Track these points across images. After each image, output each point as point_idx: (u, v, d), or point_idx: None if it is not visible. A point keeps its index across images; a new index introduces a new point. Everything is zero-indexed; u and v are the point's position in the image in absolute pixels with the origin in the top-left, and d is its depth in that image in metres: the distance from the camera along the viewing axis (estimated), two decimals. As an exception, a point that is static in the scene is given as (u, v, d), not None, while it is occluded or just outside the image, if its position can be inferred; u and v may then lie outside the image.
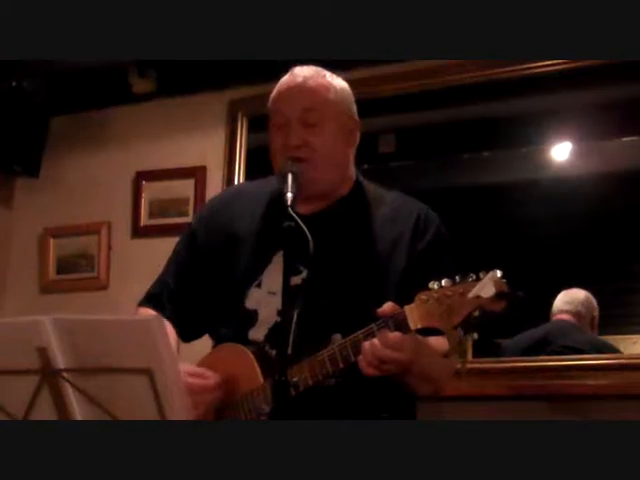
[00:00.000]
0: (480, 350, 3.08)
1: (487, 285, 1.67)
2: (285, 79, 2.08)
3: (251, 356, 1.95)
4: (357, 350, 1.80)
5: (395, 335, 1.77)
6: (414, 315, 1.76)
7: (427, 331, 1.82)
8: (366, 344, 1.78)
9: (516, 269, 1.74)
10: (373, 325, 1.79)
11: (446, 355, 1.76)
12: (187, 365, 1.96)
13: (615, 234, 3.60)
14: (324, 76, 2.08)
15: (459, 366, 1.77)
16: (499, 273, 1.69)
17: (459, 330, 1.71)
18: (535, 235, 3.75)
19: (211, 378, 1.94)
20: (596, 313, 3.47)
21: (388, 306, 1.80)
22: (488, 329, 1.75)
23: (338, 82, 2.10)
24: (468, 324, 1.71)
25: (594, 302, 3.49)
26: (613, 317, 3.70)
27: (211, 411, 1.94)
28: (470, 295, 1.69)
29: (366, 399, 1.92)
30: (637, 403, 2.83)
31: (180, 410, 1.60)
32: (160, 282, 2.18)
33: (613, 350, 3.31)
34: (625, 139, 3.54)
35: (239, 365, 1.96)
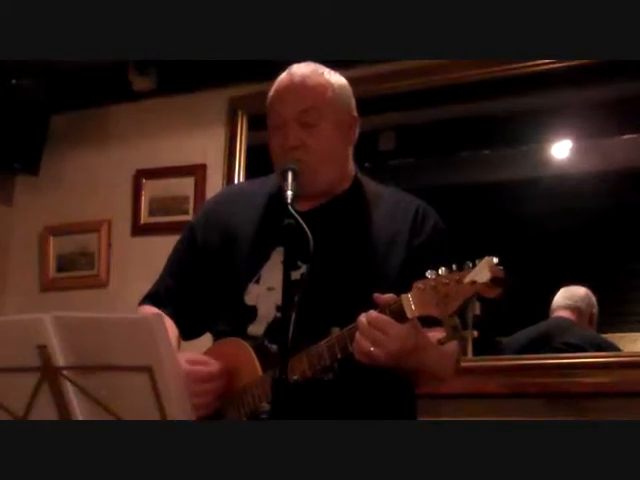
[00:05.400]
0: (481, 348, 3.09)
1: (482, 270, 1.66)
2: (282, 78, 2.06)
3: (250, 350, 1.94)
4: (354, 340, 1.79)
5: (384, 317, 1.76)
6: (410, 303, 1.74)
7: (427, 325, 1.82)
8: (357, 332, 1.77)
9: (516, 266, 1.74)
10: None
11: (442, 342, 1.74)
12: (187, 353, 1.96)
13: (615, 232, 3.61)
14: (322, 74, 2.05)
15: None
16: (495, 259, 1.67)
17: (456, 318, 1.70)
18: (535, 233, 3.75)
19: (212, 365, 1.94)
20: (595, 310, 3.48)
21: (386, 295, 1.79)
22: (489, 327, 1.75)
23: (336, 79, 2.07)
24: (467, 319, 1.70)
25: (593, 299, 3.49)
26: (613, 314, 3.71)
27: (215, 400, 1.94)
28: (466, 280, 1.67)
29: (365, 395, 1.91)
30: (638, 402, 2.83)
31: (180, 408, 1.61)
32: (160, 281, 2.18)
33: (613, 347, 3.31)
34: (625, 137, 3.55)
35: (239, 359, 1.96)
